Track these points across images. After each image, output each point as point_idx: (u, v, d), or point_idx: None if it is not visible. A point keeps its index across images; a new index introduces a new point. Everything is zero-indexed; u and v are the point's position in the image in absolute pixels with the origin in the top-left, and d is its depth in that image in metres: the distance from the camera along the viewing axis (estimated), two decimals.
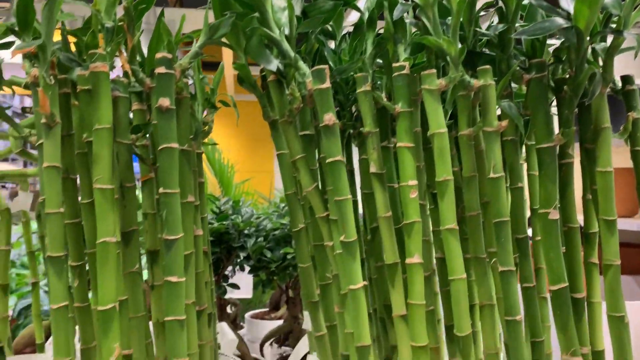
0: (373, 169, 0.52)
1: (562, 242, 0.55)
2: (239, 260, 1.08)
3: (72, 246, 0.51)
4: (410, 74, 0.50)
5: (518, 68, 0.52)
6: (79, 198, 0.53)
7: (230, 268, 1.17)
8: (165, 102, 0.44)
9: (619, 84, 0.55)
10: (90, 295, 0.54)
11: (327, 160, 0.47)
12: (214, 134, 0.69)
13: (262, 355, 1.22)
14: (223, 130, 4.56)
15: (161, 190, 0.44)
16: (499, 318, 0.52)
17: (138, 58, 0.53)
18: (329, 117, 0.47)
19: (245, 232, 1.07)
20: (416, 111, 0.53)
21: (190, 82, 0.62)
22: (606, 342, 0.54)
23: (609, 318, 0.50)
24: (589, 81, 0.50)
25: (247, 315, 1.50)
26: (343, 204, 0.47)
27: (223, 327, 0.93)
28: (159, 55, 0.46)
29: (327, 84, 0.47)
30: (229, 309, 1.34)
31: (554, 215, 0.50)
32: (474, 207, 0.53)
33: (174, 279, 0.43)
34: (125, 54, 0.52)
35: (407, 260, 0.48)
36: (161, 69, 0.44)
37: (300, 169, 0.54)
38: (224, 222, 1.05)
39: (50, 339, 0.97)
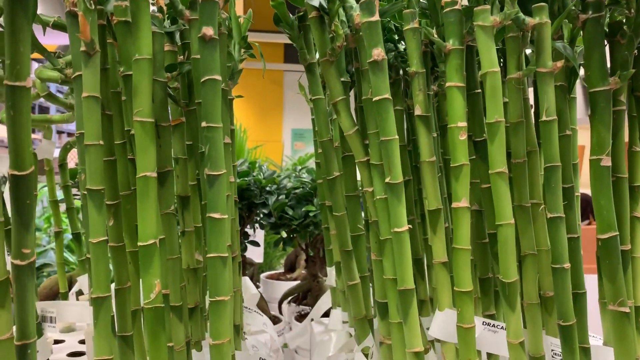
0: (418, 111, 0.50)
1: None
2: (260, 217, 1.07)
3: (108, 185, 0.50)
4: (461, 10, 0.48)
5: (574, 8, 0.50)
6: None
7: (249, 227, 1.16)
8: (209, 30, 0.42)
9: None
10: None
11: (375, 98, 0.45)
12: None
13: (281, 313, 1.22)
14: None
15: (204, 123, 0.42)
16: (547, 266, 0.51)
17: None
18: (378, 52, 0.45)
19: (267, 189, 1.05)
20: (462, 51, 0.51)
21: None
22: None
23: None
24: None
25: (263, 276, 1.50)
26: (390, 144, 0.45)
27: (246, 281, 0.93)
28: None
29: (377, 17, 0.45)
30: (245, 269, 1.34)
31: (607, 161, 0.48)
32: (521, 154, 0.52)
33: (217, 215, 0.42)
34: None
35: (454, 205, 0.47)
36: None
37: (341, 111, 0.52)
38: (246, 179, 1.04)
39: (74, 288, 0.97)
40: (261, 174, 1.07)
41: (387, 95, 0.45)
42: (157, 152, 0.50)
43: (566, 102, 0.53)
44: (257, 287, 1.36)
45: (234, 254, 0.61)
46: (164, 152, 0.50)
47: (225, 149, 0.52)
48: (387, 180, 0.46)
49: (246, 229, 1.11)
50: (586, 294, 0.53)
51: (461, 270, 0.47)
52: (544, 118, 0.47)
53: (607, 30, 0.52)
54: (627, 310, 0.48)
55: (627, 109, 0.54)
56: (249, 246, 1.17)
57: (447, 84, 0.47)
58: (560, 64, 0.47)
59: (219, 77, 0.43)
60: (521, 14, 0.47)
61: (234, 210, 0.62)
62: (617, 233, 0.48)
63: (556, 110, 0.53)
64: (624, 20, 0.50)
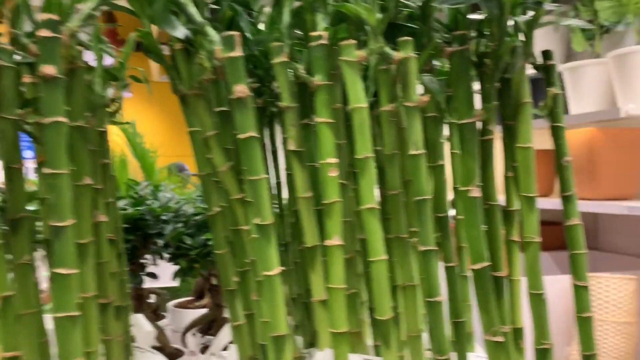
0: (291, 146, 0.49)
1: (484, 220, 0.54)
2: (156, 247, 1.03)
3: None
4: (329, 45, 0.47)
5: (440, 41, 0.50)
6: None
7: (151, 256, 1.11)
8: (49, 69, 0.38)
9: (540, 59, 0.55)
10: None
11: (240, 136, 0.44)
12: (138, 116, 0.64)
13: (185, 345, 1.17)
14: (148, 112, 4.39)
15: (46, 169, 0.39)
16: (421, 299, 0.51)
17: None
18: (241, 89, 0.43)
19: (163, 217, 1.01)
20: (336, 85, 0.51)
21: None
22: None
23: (530, 295, 0.50)
24: (511, 55, 0.49)
25: (171, 304, 1.44)
26: (257, 184, 0.44)
27: (139, 319, 0.88)
28: (43, 16, 0.40)
29: (239, 52, 0.43)
30: (152, 299, 1.28)
31: (475, 192, 0.48)
32: (396, 186, 0.51)
33: (62, 270, 0.38)
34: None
35: (326, 242, 0.46)
36: (45, 32, 0.39)
37: (213, 146, 0.50)
38: (139, 208, 0.99)
39: None
40: (156, 202, 1.03)
41: (253, 133, 0.44)
42: (8, 197, 0.46)
43: (439, 132, 0.53)
44: (163, 317, 1.30)
45: (108, 299, 0.57)
46: (17, 197, 0.46)
47: (85, 191, 0.48)
48: (255, 221, 0.44)
49: (145, 260, 1.06)
50: (465, 323, 0.53)
51: (336, 310, 0.45)
52: (412, 152, 0.47)
53: (477, 60, 0.53)
54: (502, 339, 0.48)
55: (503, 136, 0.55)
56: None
57: (317, 120, 0.46)
58: (426, 98, 0.47)
59: (63, 119, 0.39)
60: (387, 49, 0.47)
61: (110, 251, 0.58)
62: (489, 263, 0.48)
63: (430, 141, 0.53)
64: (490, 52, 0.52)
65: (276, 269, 0.44)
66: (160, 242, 1.00)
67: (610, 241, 2.45)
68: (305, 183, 0.49)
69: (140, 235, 1.00)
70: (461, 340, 0.53)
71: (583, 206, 2.05)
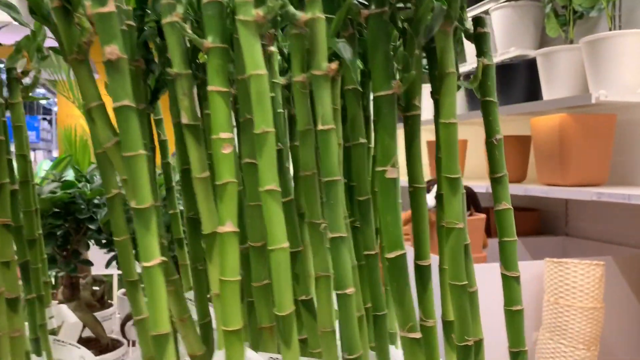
0: (185, 119, 0.43)
1: (409, 204, 0.49)
2: (90, 233, 0.96)
3: None
4: (222, 2, 0.41)
5: (357, 2, 0.45)
6: None
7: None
8: None
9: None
10: None
11: (113, 105, 0.38)
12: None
13: (124, 335, 1.12)
14: None
15: None
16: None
17: None
18: (111, 50, 0.37)
19: (95, 201, 0.95)
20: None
21: None
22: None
23: (450, 286, 0.45)
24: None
25: (120, 292, 1.38)
26: (133, 161, 0.38)
27: (61, 310, 0.82)
28: None
29: (110, 7, 0.37)
30: (96, 287, 1.22)
31: (392, 173, 0.43)
32: (309, 166, 0.46)
33: None
34: None
35: (219, 229, 0.40)
36: None
37: (96, 118, 0.44)
38: (69, 191, 0.93)
39: None
40: (88, 185, 0.96)
41: (127, 102, 0.38)
42: None
43: (359, 106, 0.48)
44: (111, 305, 1.24)
45: (10, 295, 0.51)
46: None
47: None
48: (132, 204, 0.38)
49: (77, 248, 1.00)
50: (386, 316, 0.49)
51: (228, 306, 0.40)
52: (320, 127, 0.42)
53: (402, 27, 0.48)
54: (418, 336, 0.43)
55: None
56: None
57: (208, 88, 0.41)
58: (335, 66, 0.42)
59: None
60: (290, 8, 0.41)
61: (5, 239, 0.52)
62: (404, 251, 0.43)
63: (350, 116, 0.48)
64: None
65: (155, 260, 0.38)
66: (93, 227, 0.94)
67: (579, 227, 2.43)
68: (201, 162, 0.43)
69: (72, 220, 0.93)
70: (381, 336, 0.48)
71: (553, 192, 2.03)
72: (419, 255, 0.48)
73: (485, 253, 2.17)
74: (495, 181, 0.47)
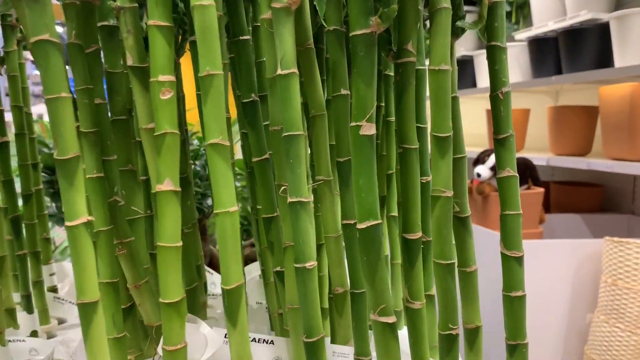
0: (129, 60, 0.38)
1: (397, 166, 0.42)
2: None
3: None
4: None
5: None
6: None
7: None
8: None
9: None
10: None
11: (31, 40, 0.33)
12: None
13: None
14: None
15: None
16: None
17: None
18: None
19: None
20: None
21: None
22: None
23: (434, 265, 0.38)
24: None
25: None
26: (54, 105, 0.33)
27: (64, 267, 0.81)
28: None
29: None
30: None
31: (368, 129, 0.36)
32: (278, 119, 0.40)
33: None
34: None
35: (157, 187, 0.35)
36: None
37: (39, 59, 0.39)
38: None
39: None
40: None
41: (48, 36, 0.33)
42: None
43: (341, 51, 0.41)
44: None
45: None
46: None
47: None
48: (55, 154, 0.34)
49: None
50: (364, 295, 0.42)
51: (166, 275, 0.35)
52: (279, 71, 0.35)
53: None
54: (391, 320, 0.37)
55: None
56: None
57: (148, 22, 0.35)
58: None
59: None
60: None
61: None
62: (379, 221, 0.37)
63: (331, 62, 0.41)
64: None
65: (80, 219, 0.33)
66: None
67: None
68: (148, 111, 0.38)
69: None
70: (359, 317, 0.42)
71: (620, 167, 1.87)
72: (407, 227, 0.41)
73: (542, 229, 2.04)
74: (500, 143, 0.39)
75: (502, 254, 0.39)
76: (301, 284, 0.36)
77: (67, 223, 0.33)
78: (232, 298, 0.35)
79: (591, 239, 2.01)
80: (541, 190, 2.07)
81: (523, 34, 2.25)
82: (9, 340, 0.58)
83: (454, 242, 0.38)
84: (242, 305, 0.35)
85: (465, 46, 2.84)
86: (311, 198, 0.36)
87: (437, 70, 0.36)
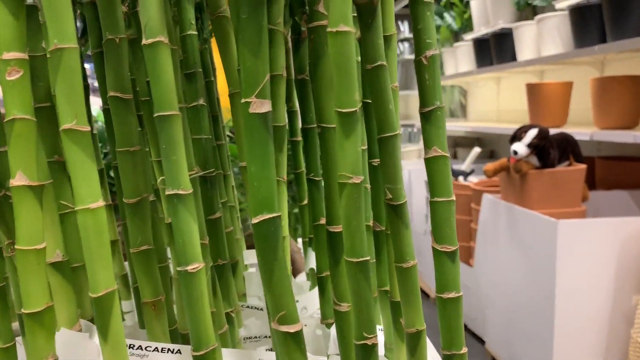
0: None
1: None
2: None
3: None
4: None
5: None
6: None
7: None
8: None
9: None
10: None
11: None
12: None
13: None
14: None
15: None
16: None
17: None
18: None
19: None
20: None
21: None
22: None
23: (346, 264, 0.32)
24: None
25: None
26: None
27: None
28: None
29: None
30: None
31: (258, 106, 0.31)
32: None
33: None
34: None
35: (10, 182, 0.30)
36: None
37: None
38: None
39: None
40: None
41: None
42: None
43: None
44: None
45: None
46: None
47: None
48: None
49: None
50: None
51: (26, 281, 0.31)
52: (143, 41, 0.30)
53: None
54: (293, 329, 0.31)
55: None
56: None
57: None
58: None
59: None
60: None
61: None
62: (277, 214, 0.31)
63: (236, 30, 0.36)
64: None
65: None
66: None
67: None
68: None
69: None
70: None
71: None
72: (330, 218, 0.36)
73: (585, 207, 1.92)
74: (425, 117, 0.33)
75: (433, 249, 0.33)
76: (184, 289, 0.31)
77: None
78: (102, 307, 0.30)
79: (638, 216, 1.87)
80: (583, 166, 1.94)
81: (564, 3, 2.10)
82: None
83: (365, 235, 0.31)
84: (115, 314, 0.31)
85: (504, 18, 2.69)
86: (191, 190, 0.31)
87: (335, 32, 0.30)
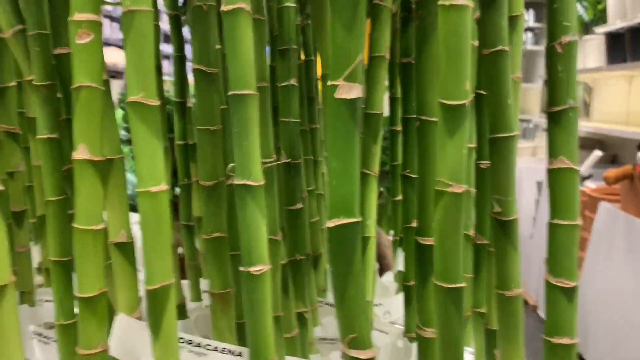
0: None
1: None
2: None
3: None
4: None
5: None
6: None
7: None
8: None
9: None
10: None
11: None
12: None
13: None
14: None
15: None
16: None
17: None
18: None
19: None
20: None
21: None
22: None
23: (434, 287, 0.27)
24: None
25: None
26: None
27: None
28: None
29: None
30: None
31: (346, 91, 0.26)
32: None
33: None
34: None
35: (73, 155, 0.28)
36: None
37: None
38: None
39: None
40: None
41: None
42: None
43: None
44: None
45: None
46: None
47: None
48: None
49: None
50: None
51: (83, 263, 0.28)
52: (222, 7, 0.26)
53: None
54: (365, 355, 0.27)
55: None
56: None
57: None
58: None
59: None
60: None
61: None
62: (357, 219, 0.26)
63: None
64: None
65: None
66: None
67: None
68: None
69: None
70: None
71: None
72: (421, 228, 0.30)
73: None
74: (554, 119, 0.26)
75: (546, 282, 0.27)
76: (245, 292, 0.28)
77: None
78: (156, 301, 0.28)
79: None
80: None
81: None
82: None
83: (461, 258, 0.26)
84: (169, 311, 0.28)
85: None
86: (262, 182, 0.27)
87: (449, 5, 0.24)
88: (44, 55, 0.33)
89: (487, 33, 0.28)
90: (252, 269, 0.27)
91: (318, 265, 0.57)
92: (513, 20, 0.32)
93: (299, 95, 0.42)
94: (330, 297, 0.59)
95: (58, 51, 0.33)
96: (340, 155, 0.26)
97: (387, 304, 0.57)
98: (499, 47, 0.29)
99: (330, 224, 0.26)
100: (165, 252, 0.27)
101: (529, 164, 3.04)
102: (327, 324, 0.53)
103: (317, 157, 0.58)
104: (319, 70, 0.56)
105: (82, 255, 0.28)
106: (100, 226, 0.28)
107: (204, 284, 0.58)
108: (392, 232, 0.80)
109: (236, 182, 0.27)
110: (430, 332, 0.31)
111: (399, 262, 0.64)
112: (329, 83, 0.26)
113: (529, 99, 4.63)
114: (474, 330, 0.40)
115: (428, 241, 0.31)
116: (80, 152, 0.28)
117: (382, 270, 0.80)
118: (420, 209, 0.32)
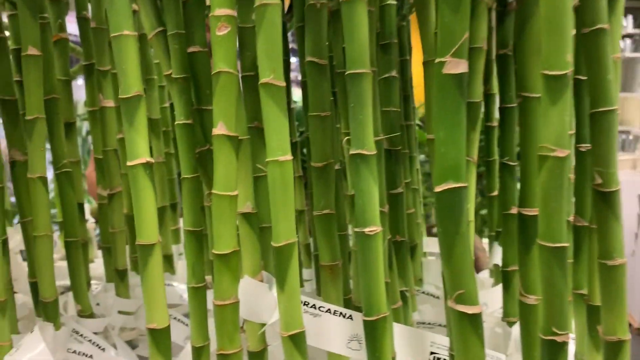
0: None
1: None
2: None
3: None
4: None
5: None
6: None
7: None
8: None
9: None
10: None
11: None
12: None
13: None
14: None
15: None
16: None
17: None
18: None
19: None
20: None
21: None
22: None
23: (539, 247, 0.29)
24: None
25: None
26: (116, 41, 0.33)
27: None
28: None
29: None
30: None
31: (454, 66, 0.29)
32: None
33: None
34: None
35: (213, 131, 0.33)
36: None
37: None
38: None
39: None
40: None
41: None
42: None
43: None
44: None
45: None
46: None
47: None
48: (119, 94, 0.34)
49: None
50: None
51: (219, 225, 0.33)
52: None
53: None
54: (471, 310, 0.29)
55: None
56: None
57: None
58: None
59: None
60: None
61: None
62: (464, 184, 0.29)
63: None
64: None
65: (139, 159, 0.33)
66: None
67: None
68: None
69: None
70: None
71: None
72: (524, 198, 0.32)
73: None
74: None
75: None
76: (360, 251, 0.31)
77: (128, 163, 0.33)
78: (281, 257, 0.31)
79: None
80: None
81: None
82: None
83: (565, 218, 0.28)
84: (293, 266, 0.31)
85: None
86: (374, 152, 0.30)
87: None
88: (181, 52, 0.38)
89: (586, 11, 0.30)
90: (367, 230, 0.30)
91: (415, 255, 0.59)
92: (612, 2, 0.33)
93: None
94: (427, 287, 0.61)
95: (191, 50, 0.39)
96: (448, 124, 0.29)
97: (484, 296, 0.58)
98: (599, 26, 0.30)
99: (439, 188, 0.29)
100: (290, 213, 0.31)
101: (629, 176, 2.87)
102: (424, 310, 0.55)
103: (412, 153, 0.60)
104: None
105: (219, 218, 0.33)
106: (235, 192, 0.33)
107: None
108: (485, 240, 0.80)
109: (351, 152, 0.31)
110: (532, 299, 0.33)
111: (495, 258, 0.65)
112: (437, 60, 0.29)
113: (628, 109, 4.38)
114: (575, 313, 0.41)
115: (531, 211, 0.33)
116: (220, 129, 0.32)
117: (476, 270, 0.80)
118: (524, 184, 0.34)
